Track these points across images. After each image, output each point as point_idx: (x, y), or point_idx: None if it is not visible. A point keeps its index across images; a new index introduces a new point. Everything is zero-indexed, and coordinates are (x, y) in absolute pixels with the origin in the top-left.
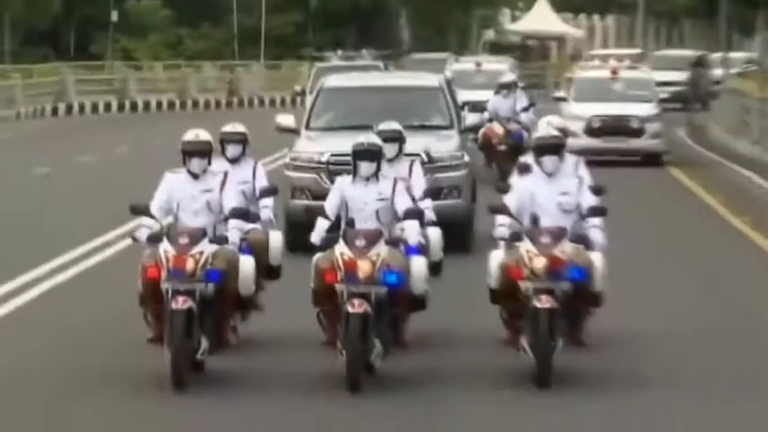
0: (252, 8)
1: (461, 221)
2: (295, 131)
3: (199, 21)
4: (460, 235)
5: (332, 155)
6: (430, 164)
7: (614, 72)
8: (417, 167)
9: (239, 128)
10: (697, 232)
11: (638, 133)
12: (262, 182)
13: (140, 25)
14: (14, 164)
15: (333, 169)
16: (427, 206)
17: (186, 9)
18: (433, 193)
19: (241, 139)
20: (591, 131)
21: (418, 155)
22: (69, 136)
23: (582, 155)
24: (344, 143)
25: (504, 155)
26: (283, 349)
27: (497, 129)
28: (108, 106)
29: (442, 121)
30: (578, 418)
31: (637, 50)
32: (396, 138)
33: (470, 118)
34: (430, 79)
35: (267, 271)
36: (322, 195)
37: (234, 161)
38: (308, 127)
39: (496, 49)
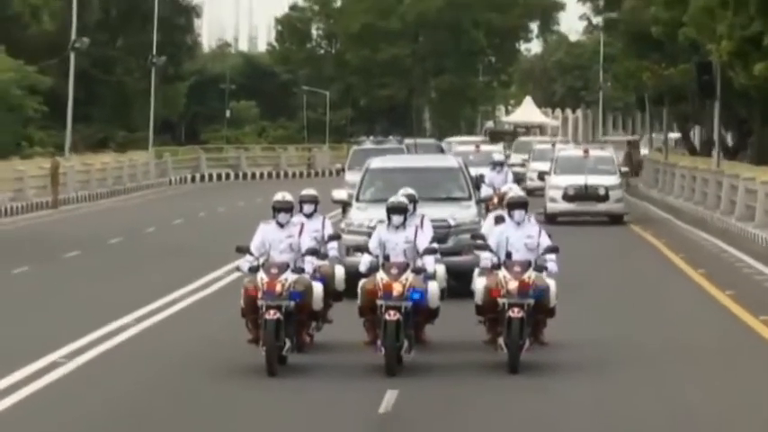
0: (316, 106)
1: None
2: (347, 203)
3: (278, 115)
4: None
5: (378, 222)
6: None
7: (586, 152)
8: (427, 221)
9: (312, 192)
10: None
11: (604, 199)
12: (328, 230)
13: (238, 119)
14: (177, 210)
15: None
16: (435, 248)
17: (269, 107)
18: (457, 250)
19: (313, 200)
20: (567, 197)
21: (445, 220)
22: (207, 195)
23: (560, 217)
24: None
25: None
26: (341, 349)
27: (494, 198)
28: (228, 176)
29: (461, 194)
30: (538, 395)
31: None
32: (411, 200)
33: (484, 191)
34: (451, 161)
35: (334, 295)
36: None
37: (308, 216)
38: (358, 199)
39: (494, 134)
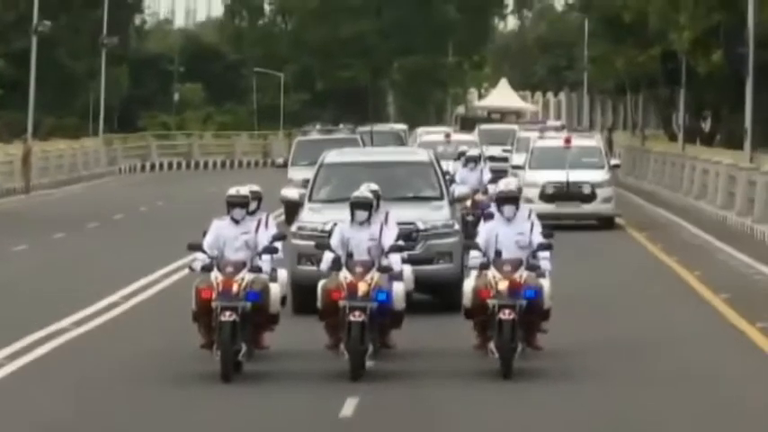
0: (267, 89)
1: (453, 283)
2: (298, 203)
3: (224, 100)
4: (451, 295)
5: (334, 224)
6: None
7: (567, 141)
8: (392, 217)
9: (255, 188)
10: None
11: (589, 198)
12: (272, 230)
13: (181, 104)
14: (132, 200)
15: None
16: (402, 245)
17: (215, 90)
18: (428, 258)
19: (256, 197)
20: (545, 197)
21: (413, 223)
22: (156, 186)
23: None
24: (345, 214)
25: (472, 225)
26: (299, 356)
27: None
28: (179, 165)
29: (433, 192)
30: (532, 401)
31: (558, 123)
32: (375, 196)
33: (459, 189)
34: (421, 154)
35: (268, 317)
36: None
37: (251, 213)
38: (311, 199)
39: (466, 121)
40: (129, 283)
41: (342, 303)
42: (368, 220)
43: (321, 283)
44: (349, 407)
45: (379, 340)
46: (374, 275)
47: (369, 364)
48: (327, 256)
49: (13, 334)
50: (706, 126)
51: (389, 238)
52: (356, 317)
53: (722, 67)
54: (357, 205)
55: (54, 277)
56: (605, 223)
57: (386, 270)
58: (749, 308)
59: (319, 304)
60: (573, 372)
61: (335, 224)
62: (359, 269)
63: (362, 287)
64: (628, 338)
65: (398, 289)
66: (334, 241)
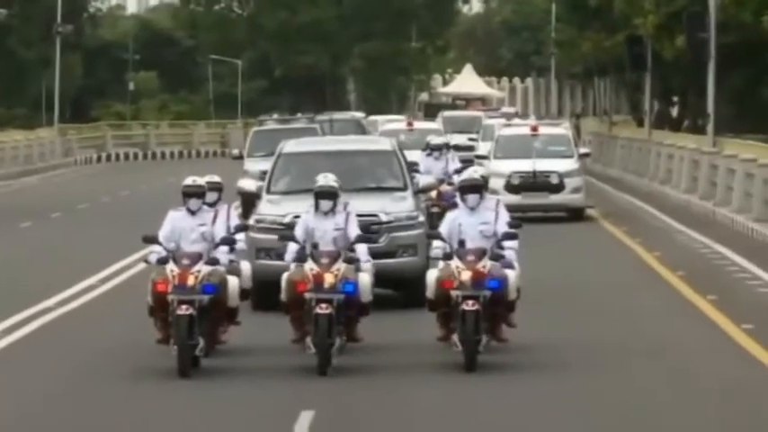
0: (224, 77)
1: (417, 277)
2: (255, 195)
3: (179, 88)
4: (416, 290)
5: (294, 217)
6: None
7: (534, 129)
8: (351, 208)
9: (215, 179)
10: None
11: (557, 189)
12: (234, 221)
13: (136, 93)
14: (93, 191)
15: None
16: (368, 236)
17: (169, 78)
18: (391, 251)
19: (216, 188)
20: (510, 188)
21: (376, 215)
22: (115, 176)
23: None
24: (304, 205)
25: (437, 217)
26: (261, 351)
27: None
28: (135, 156)
29: (395, 183)
30: (496, 394)
31: (513, 109)
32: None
33: (423, 180)
34: (383, 143)
35: (227, 312)
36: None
37: (211, 204)
38: (269, 191)
39: (430, 108)
40: (101, 270)
41: (308, 295)
42: (332, 210)
43: (285, 276)
44: (313, 403)
45: (345, 333)
46: (341, 266)
47: (335, 358)
48: (292, 248)
49: None
50: (674, 111)
51: (355, 227)
52: (323, 309)
53: (687, 52)
54: (322, 194)
55: (30, 265)
56: (574, 215)
57: (352, 261)
58: (702, 283)
59: (284, 297)
60: (537, 364)
61: (297, 216)
62: (325, 260)
63: (329, 278)
64: (589, 324)
65: (365, 280)
66: (298, 232)
